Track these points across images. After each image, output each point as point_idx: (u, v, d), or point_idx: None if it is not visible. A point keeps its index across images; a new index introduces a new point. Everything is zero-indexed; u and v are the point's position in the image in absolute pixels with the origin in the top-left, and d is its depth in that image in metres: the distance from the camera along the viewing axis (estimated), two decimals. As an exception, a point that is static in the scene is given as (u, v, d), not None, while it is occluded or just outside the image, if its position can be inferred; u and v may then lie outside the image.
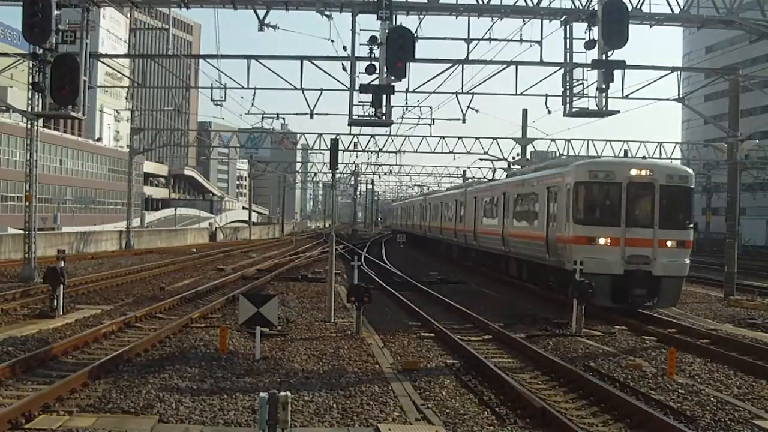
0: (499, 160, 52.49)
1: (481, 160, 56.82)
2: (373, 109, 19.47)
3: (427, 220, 56.48)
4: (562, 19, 22.21)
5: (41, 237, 37.30)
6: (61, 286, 19.37)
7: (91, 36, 23.65)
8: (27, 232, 28.79)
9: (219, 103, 34.58)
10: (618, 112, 22.12)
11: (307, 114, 33.27)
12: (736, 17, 22.78)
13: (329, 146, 20.57)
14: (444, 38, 26.07)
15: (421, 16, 23.57)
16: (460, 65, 27.82)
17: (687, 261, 21.86)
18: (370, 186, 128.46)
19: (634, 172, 21.78)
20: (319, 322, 19.05)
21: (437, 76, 39.08)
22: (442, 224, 48.49)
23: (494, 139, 55.24)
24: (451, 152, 57.65)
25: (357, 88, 20.52)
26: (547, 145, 54.73)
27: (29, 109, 26.38)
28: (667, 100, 32.04)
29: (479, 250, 36.86)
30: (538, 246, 25.16)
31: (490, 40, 25.22)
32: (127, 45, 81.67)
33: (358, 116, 20.54)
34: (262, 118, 73.07)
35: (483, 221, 34.91)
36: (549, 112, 31.20)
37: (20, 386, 11.69)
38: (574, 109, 21.77)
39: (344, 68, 22.89)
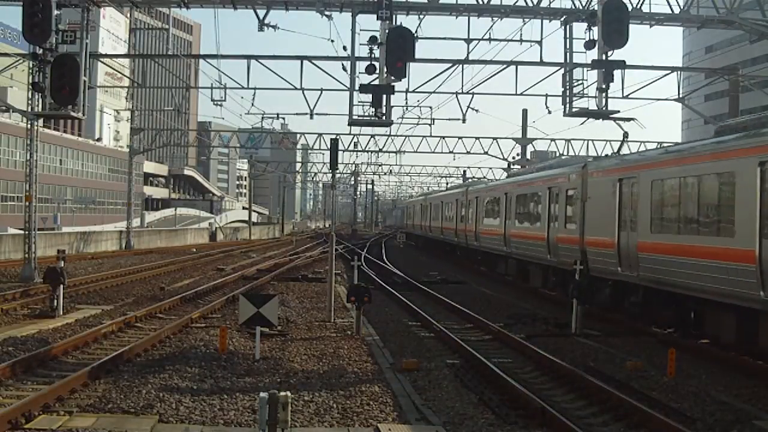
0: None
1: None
2: (373, 109, 19.48)
3: (472, 222, 38.32)
4: (562, 19, 22.23)
5: (41, 237, 37.28)
6: (61, 286, 19.38)
7: (91, 36, 23.65)
8: (27, 232, 28.78)
9: (219, 103, 34.69)
10: (618, 112, 22.14)
11: (307, 114, 33.38)
12: (736, 17, 22.78)
13: (329, 146, 20.59)
14: (444, 38, 26.25)
15: (421, 16, 23.63)
16: (460, 65, 27.88)
17: None
18: (370, 186, 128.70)
19: None
20: (319, 322, 19.05)
21: (437, 76, 39.25)
22: (509, 230, 30.05)
23: (494, 139, 55.37)
24: (451, 152, 57.80)
25: (357, 88, 20.55)
26: (547, 145, 54.94)
27: (29, 109, 26.37)
28: (667, 100, 32.10)
29: (596, 276, 20.32)
30: None
31: (490, 40, 25.31)
32: (127, 45, 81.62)
33: (358, 116, 20.56)
34: (262, 118, 73.23)
35: (629, 228, 18.59)
36: (549, 112, 31.38)
37: (20, 386, 11.69)
38: (574, 109, 21.79)
39: (344, 68, 22.95)
